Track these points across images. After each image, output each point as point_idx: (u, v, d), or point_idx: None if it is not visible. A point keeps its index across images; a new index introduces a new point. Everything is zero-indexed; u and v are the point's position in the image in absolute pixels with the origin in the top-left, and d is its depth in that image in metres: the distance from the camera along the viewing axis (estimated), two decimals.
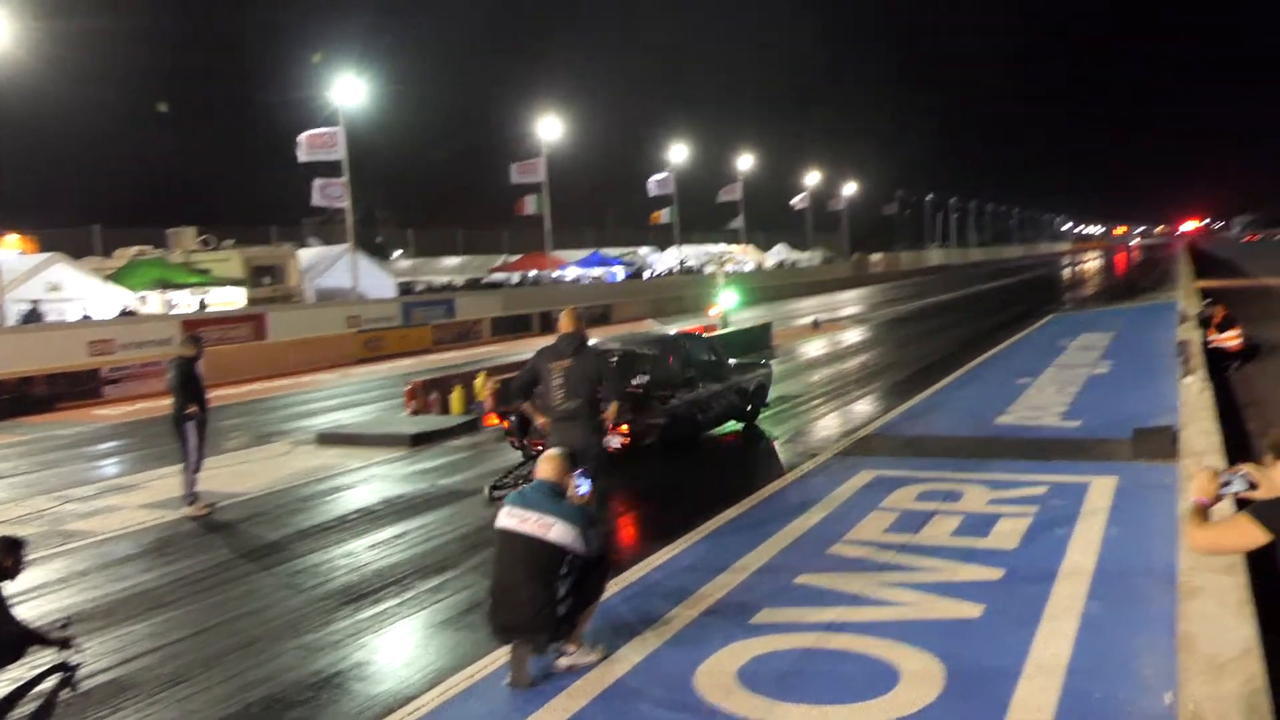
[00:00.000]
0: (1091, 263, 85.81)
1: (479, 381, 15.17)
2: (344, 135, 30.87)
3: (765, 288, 49.02)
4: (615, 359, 10.88)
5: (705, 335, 13.46)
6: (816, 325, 29.56)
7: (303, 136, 30.56)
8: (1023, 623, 5.41)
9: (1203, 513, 3.50)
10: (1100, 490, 8.05)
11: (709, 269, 53.09)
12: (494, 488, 9.57)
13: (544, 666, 5.12)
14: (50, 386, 19.96)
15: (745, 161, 63.10)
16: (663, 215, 54.49)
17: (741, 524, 7.85)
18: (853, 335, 27.18)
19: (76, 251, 32.70)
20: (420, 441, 12.78)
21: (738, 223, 62.87)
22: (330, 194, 31.37)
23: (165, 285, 31.10)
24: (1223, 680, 3.81)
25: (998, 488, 8.33)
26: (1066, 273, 67.99)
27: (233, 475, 11.43)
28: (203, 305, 30.89)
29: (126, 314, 28.05)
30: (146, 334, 23.86)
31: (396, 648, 6.12)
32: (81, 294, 28.63)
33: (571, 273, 52.24)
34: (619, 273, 54.16)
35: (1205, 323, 15.90)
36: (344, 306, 31.04)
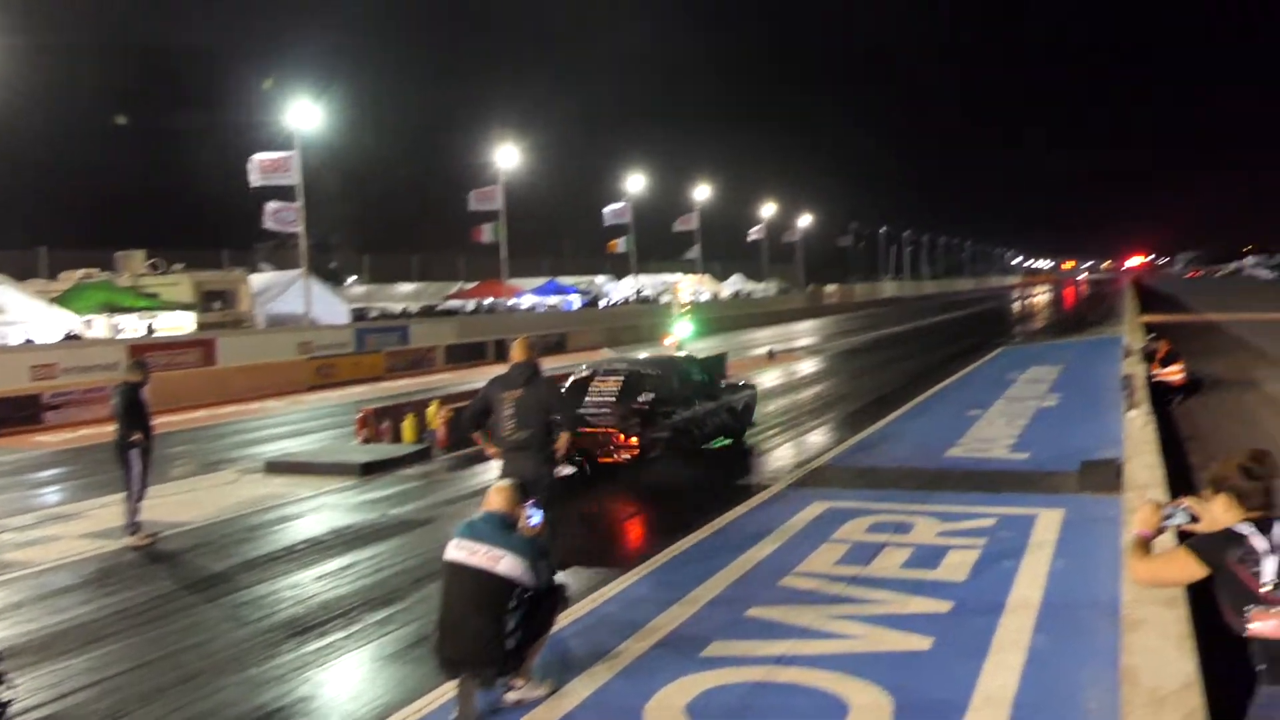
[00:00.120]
0: (1041, 296, 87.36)
1: (432, 410, 15.04)
2: (298, 160, 30.67)
3: (721, 318, 49.26)
4: (623, 378, 11.99)
5: (697, 358, 14.63)
6: (772, 356, 29.71)
7: (255, 160, 30.31)
8: (971, 655, 5.45)
9: (1145, 545, 3.55)
10: (1047, 522, 8.16)
11: (665, 298, 53.29)
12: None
13: (492, 701, 5.06)
14: None
15: (702, 192, 63.62)
16: (619, 244, 54.71)
17: (694, 555, 7.85)
18: (807, 366, 27.38)
19: (22, 274, 32.11)
20: (371, 470, 12.63)
21: (694, 253, 63.26)
22: (283, 219, 31.09)
23: (112, 309, 30.61)
24: (1164, 713, 3.86)
25: (948, 520, 8.41)
26: (1016, 306, 69.15)
27: (178, 504, 11.22)
28: (150, 330, 30.42)
29: (71, 338, 27.54)
30: (92, 358, 23.39)
31: (342, 681, 6.02)
32: (25, 317, 28.04)
33: (527, 300, 52.20)
34: (575, 301, 54.22)
35: (1149, 357, 16.23)
36: (296, 332, 30.69)
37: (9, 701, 5.68)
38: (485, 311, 47.15)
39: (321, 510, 10.86)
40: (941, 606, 6.27)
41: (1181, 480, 8.91)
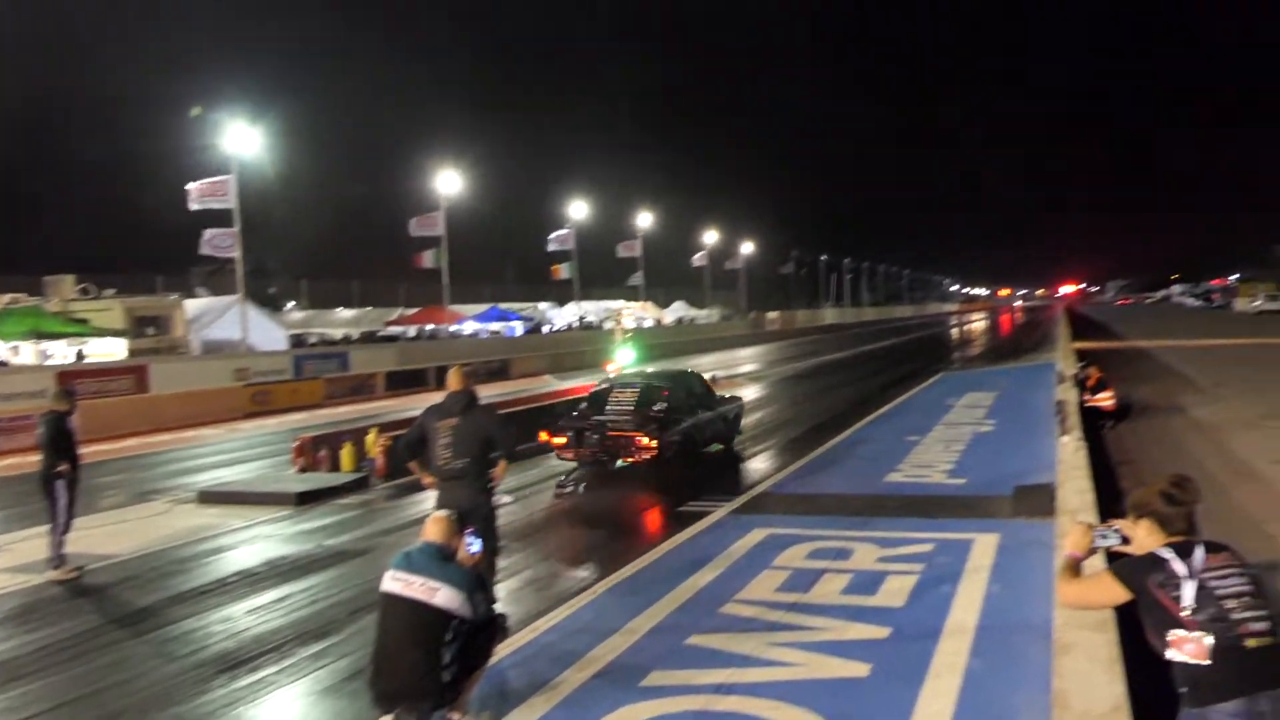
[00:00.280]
0: (978, 323, 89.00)
1: (370, 437, 14.86)
2: (235, 184, 30.27)
3: (664, 344, 49.41)
4: (638, 390, 13.73)
5: (695, 373, 16.28)
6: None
7: (192, 185, 29.86)
8: (908, 681, 5.49)
9: (1075, 567, 3.62)
10: (983, 547, 8.27)
11: (608, 324, 53.35)
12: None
13: None
14: None
15: (644, 219, 63.94)
16: (562, 269, 54.73)
17: (634, 584, 7.81)
18: (749, 392, 27.47)
19: None
20: (307, 500, 12.43)
21: (637, 279, 63.48)
22: (219, 244, 30.63)
23: (40, 335, 29.77)
24: None
25: (886, 545, 8.49)
26: (954, 333, 70.35)
27: (105, 536, 10.92)
28: (80, 356, 29.66)
29: None
30: (18, 385, 22.72)
31: (275, 718, 5.89)
32: None
33: (469, 327, 51.87)
34: (518, 327, 53.99)
35: (1081, 385, 16.59)
36: (232, 359, 30.15)
37: None
38: (426, 338, 46.74)
39: (255, 541, 10.64)
40: (880, 632, 6.31)
41: (1112, 504, 9.09)
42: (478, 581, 5.17)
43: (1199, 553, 3.18)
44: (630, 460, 13.01)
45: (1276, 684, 3.00)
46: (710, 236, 77.95)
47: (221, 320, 34.87)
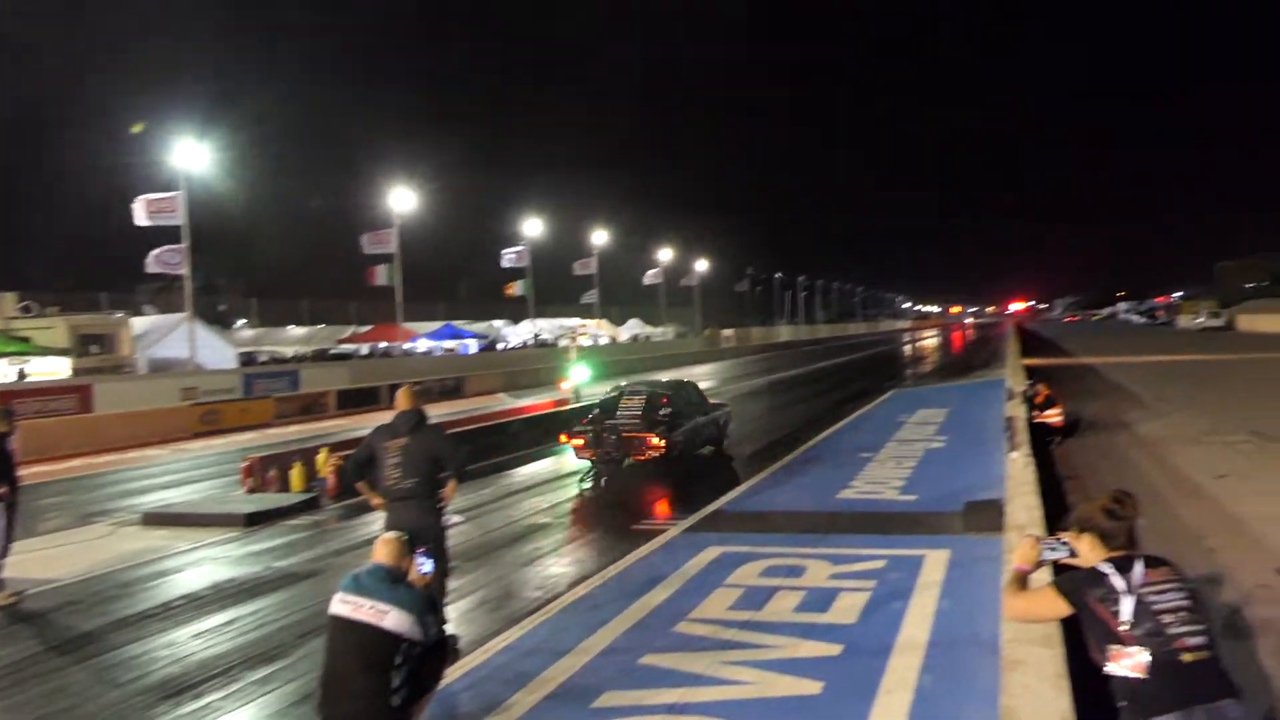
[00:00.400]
0: (930, 340, 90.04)
1: (321, 457, 14.70)
2: (184, 200, 29.87)
3: (619, 361, 49.42)
4: (645, 396, 15.36)
5: (692, 383, 18.01)
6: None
7: (139, 201, 29.42)
8: (860, 697, 5.51)
9: (1022, 580, 3.68)
10: (934, 563, 8.34)
11: (563, 342, 53.27)
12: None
13: None
14: None
15: (600, 236, 64.01)
16: (517, 287, 54.58)
17: (587, 604, 7.77)
18: None
19: None
20: (255, 521, 12.24)
21: (592, 297, 63.49)
22: (168, 261, 30.16)
23: None
24: None
25: (839, 562, 8.53)
26: (907, 349, 71.12)
27: (46, 559, 10.67)
28: (22, 375, 29.07)
29: None
30: None
31: None
32: None
33: (423, 345, 51.56)
34: (472, 345, 53.76)
35: (1030, 401, 16.83)
36: (179, 378, 29.68)
37: None
38: (379, 356, 46.39)
39: (202, 564, 10.46)
40: (832, 649, 6.33)
41: (1059, 519, 9.21)
42: (428, 604, 5.11)
43: (1138, 568, 3.24)
44: (640, 458, 14.64)
45: (1212, 697, 3.05)
46: (665, 254, 78.22)
47: (169, 338, 34.40)
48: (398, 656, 4.82)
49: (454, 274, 73.37)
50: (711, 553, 9.13)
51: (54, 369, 30.00)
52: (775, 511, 11.24)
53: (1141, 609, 3.15)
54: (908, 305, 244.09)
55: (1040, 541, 3.65)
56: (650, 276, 76.05)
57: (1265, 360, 32.38)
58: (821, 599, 7.46)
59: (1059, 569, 3.61)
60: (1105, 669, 3.21)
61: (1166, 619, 3.13)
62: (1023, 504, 8.74)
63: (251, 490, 14.29)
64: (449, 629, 5.29)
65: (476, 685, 6.03)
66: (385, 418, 7.33)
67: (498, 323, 63.15)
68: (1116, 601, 3.19)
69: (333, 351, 49.33)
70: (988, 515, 9.31)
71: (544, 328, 61.16)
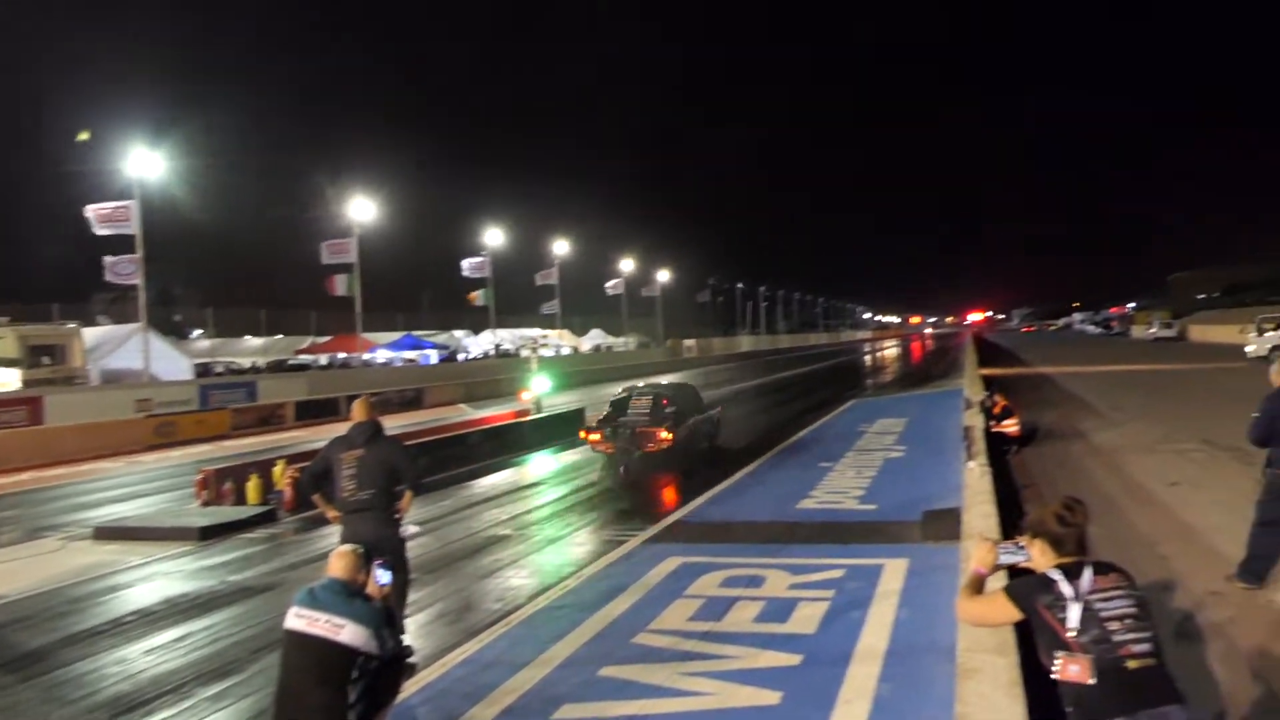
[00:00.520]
0: (890, 350, 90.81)
1: (278, 469, 14.54)
2: (138, 209, 29.48)
3: (580, 371, 49.37)
4: (651, 397, 17.16)
5: (690, 386, 20.11)
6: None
7: (92, 210, 29.00)
8: (819, 707, 5.54)
9: (979, 584, 3.72)
10: (893, 572, 8.40)
11: (525, 352, 53.13)
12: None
13: None
14: None
15: (561, 246, 63.97)
16: (478, 296, 54.37)
17: (547, 615, 7.75)
18: None
19: None
20: (210, 535, 12.08)
21: (553, 307, 63.40)
22: (121, 271, 29.78)
23: None
24: None
25: (798, 572, 8.57)
26: (868, 359, 71.65)
27: None
28: None
29: None
30: None
31: None
32: None
33: (383, 355, 51.15)
34: (432, 356, 53.44)
35: (988, 411, 17.01)
36: (133, 389, 29.25)
37: None
38: (338, 367, 45.97)
39: (154, 579, 10.30)
40: (791, 659, 6.36)
41: (1015, 528, 9.33)
42: (385, 617, 5.06)
43: (1087, 574, 3.29)
44: (651, 449, 16.22)
45: (1156, 703, 3.11)
46: (627, 264, 78.30)
47: (122, 349, 33.87)
48: (354, 671, 4.76)
49: (414, 284, 72.88)
50: (671, 563, 9.13)
51: (3, 380, 29.38)
52: (735, 522, 11.27)
53: (1088, 616, 3.20)
54: (868, 316, 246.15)
55: (997, 545, 3.70)
56: (612, 287, 76.12)
57: (1215, 370, 32.97)
58: (781, 609, 7.49)
59: (1016, 573, 3.66)
60: (1052, 674, 3.26)
61: (1113, 626, 3.18)
62: (979, 513, 8.84)
63: (206, 503, 14.11)
64: (406, 641, 5.23)
65: (434, 699, 5.98)
66: (344, 429, 7.27)
67: (458, 333, 62.86)
68: (1064, 608, 3.24)
69: (291, 362, 48.81)
70: (946, 524, 9.40)
71: (505, 338, 60.93)
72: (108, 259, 29.53)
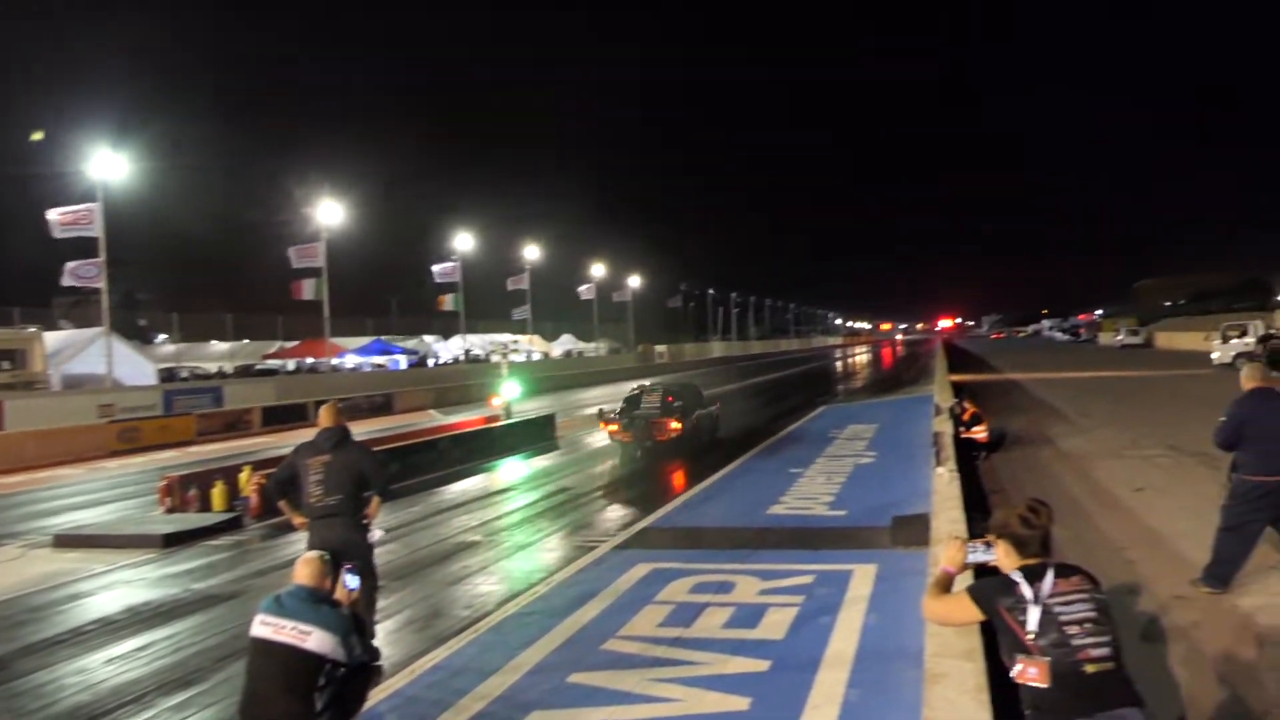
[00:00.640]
0: (861, 356, 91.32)
1: (244, 476, 14.41)
2: (101, 212, 29.15)
3: (551, 377, 49.30)
4: (660, 393, 19.85)
5: (694, 384, 22.76)
6: (602, 415, 29.88)
7: (55, 213, 28.64)
8: (787, 713, 5.55)
9: (947, 582, 3.75)
10: (862, 578, 8.45)
11: (495, 358, 52.96)
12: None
13: None
14: None
15: (532, 252, 63.86)
16: (448, 300, 54.15)
17: (516, 622, 7.73)
18: None
19: None
20: (173, 542, 11.95)
21: (524, 312, 63.26)
22: (84, 274, 29.41)
23: None
24: None
25: (768, 578, 8.59)
26: (839, 365, 72.01)
27: None
28: None
29: None
30: None
31: None
32: None
33: (351, 360, 50.82)
34: (402, 361, 53.14)
35: (957, 418, 17.13)
36: (96, 394, 28.92)
37: None
38: (306, 372, 45.64)
39: (116, 587, 10.17)
40: (760, 665, 6.37)
41: (983, 533, 9.40)
42: (352, 624, 5.03)
43: (1049, 577, 3.32)
44: (662, 438, 18.82)
45: (1113, 706, 3.15)
46: (598, 269, 78.29)
47: (85, 354, 33.52)
48: (321, 678, 4.72)
49: (384, 288, 72.48)
50: (641, 569, 9.14)
51: None
52: (705, 527, 11.30)
53: (1047, 619, 3.23)
54: (839, 322, 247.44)
55: (966, 544, 3.73)
56: (583, 292, 76.07)
57: (1182, 377, 33.42)
58: (750, 615, 7.51)
59: (984, 572, 3.69)
60: (1012, 676, 3.30)
61: (1071, 630, 3.21)
62: (948, 518, 8.90)
63: (170, 510, 13.95)
64: (375, 644, 5.19)
65: (402, 706, 5.95)
66: (312, 435, 7.23)
67: (428, 338, 62.55)
68: (1024, 611, 3.27)
69: (258, 367, 48.37)
70: (915, 530, 9.46)
71: (475, 343, 60.72)
72: (70, 263, 29.17)
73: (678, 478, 16.49)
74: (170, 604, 9.32)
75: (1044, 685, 3.18)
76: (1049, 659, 3.19)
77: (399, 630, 8.27)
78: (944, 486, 10.84)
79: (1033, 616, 3.25)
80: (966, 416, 16.88)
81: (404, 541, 11.86)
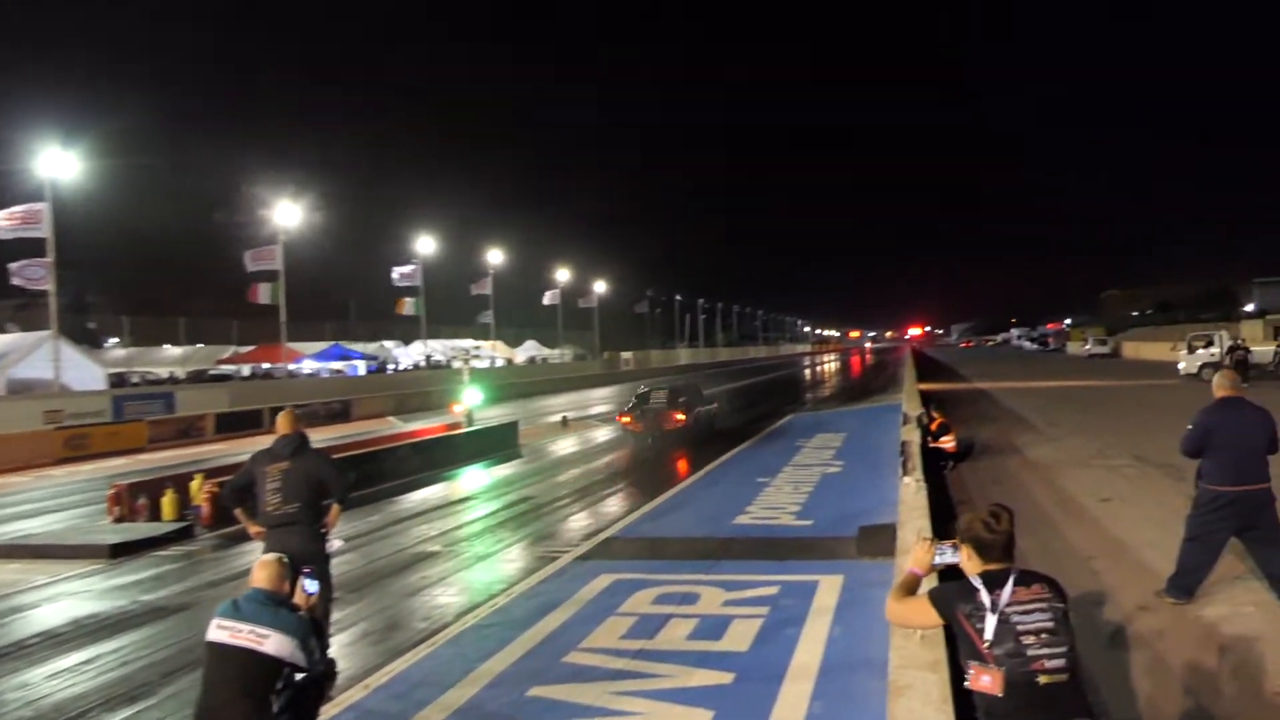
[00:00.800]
0: (830, 364, 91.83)
1: (196, 484, 14.24)
2: (50, 211, 28.72)
3: (514, 384, 49.16)
4: (667, 390, 23.71)
5: (695, 382, 27.51)
6: (565, 423, 29.86)
7: (1, 215, 28.19)
8: None
9: (914, 584, 3.78)
10: (828, 588, 8.48)
11: (456, 364, 52.73)
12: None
13: None
14: None
15: (495, 256, 63.66)
16: (408, 304, 53.82)
17: (476, 634, 7.68)
18: (601, 434, 27.60)
19: None
20: (122, 552, 11.79)
21: (487, 317, 63.03)
22: (31, 275, 28.95)
23: None
24: None
25: (733, 589, 8.60)
26: (807, 373, 72.35)
27: None
28: None
29: None
30: None
31: None
32: None
33: (309, 366, 50.43)
34: (360, 366, 52.80)
35: (925, 428, 17.27)
36: (42, 399, 28.46)
37: None
38: (261, 377, 45.22)
39: (60, 599, 10.01)
40: (724, 678, 6.38)
41: (946, 535, 9.46)
42: (311, 628, 4.99)
43: (1009, 585, 3.36)
44: (669, 428, 22.05)
45: (1064, 717, 3.20)
46: (563, 274, 78.16)
47: (31, 358, 33.00)
48: (278, 682, 4.67)
49: (342, 292, 72.01)
50: (604, 580, 9.12)
51: None
52: (669, 538, 11.29)
53: (1004, 628, 3.27)
54: (808, 329, 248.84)
55: (935, 545, 3.76)
56: (548, 297, 75.91)
57: (1148, 387, 33.92)
58: (714, 627, 7.51)
59: (951, 575, 3.72)
60: (965, 683, 3.34)
61: (1028, 640, 3.25)
62: (915, 528, 8.95)
63: (118, 519, 13.77)
64: (330, 652, 5.14)
65: (360, 719, 5.90)
66: (268, 442, 7.16)
67: (388, 343, 62.21)
68: (982, 619, 3.31)
69: (211, 372, 47.91)
70: (881, 540, 9.51)
71: (436, 349, 60.42)
72: (15, 264, 28.71)
73: (644, 487, 16.48)
74: (117, 616, 9.18)
75: (997, 694, 3.23)
76: (1003, 669, 3.23)
77: (354, 643, 8.20)
78: (911, 496, 10.91)
79: (990, 625, 3.28)
80: (934, 426, 17.04)
81: (361, 552, 11.77)
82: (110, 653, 8.07)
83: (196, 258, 71.04)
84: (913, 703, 4.48)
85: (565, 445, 24.58)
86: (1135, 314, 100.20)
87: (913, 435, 16.09)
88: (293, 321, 43.13)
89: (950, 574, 3.73)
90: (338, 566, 8.36)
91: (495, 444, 22.40)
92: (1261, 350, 36.20)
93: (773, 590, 8.52)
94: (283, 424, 7.10)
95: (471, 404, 25.25)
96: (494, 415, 28.84)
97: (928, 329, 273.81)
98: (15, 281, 29.20)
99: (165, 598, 9.89)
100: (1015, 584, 3.36)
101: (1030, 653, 3.23)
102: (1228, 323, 53.31)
